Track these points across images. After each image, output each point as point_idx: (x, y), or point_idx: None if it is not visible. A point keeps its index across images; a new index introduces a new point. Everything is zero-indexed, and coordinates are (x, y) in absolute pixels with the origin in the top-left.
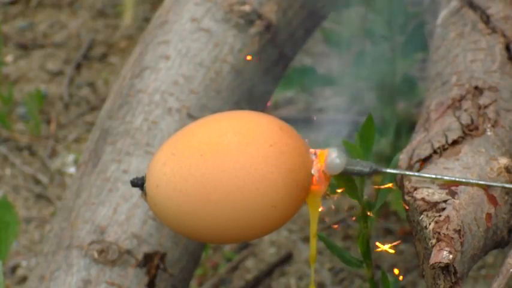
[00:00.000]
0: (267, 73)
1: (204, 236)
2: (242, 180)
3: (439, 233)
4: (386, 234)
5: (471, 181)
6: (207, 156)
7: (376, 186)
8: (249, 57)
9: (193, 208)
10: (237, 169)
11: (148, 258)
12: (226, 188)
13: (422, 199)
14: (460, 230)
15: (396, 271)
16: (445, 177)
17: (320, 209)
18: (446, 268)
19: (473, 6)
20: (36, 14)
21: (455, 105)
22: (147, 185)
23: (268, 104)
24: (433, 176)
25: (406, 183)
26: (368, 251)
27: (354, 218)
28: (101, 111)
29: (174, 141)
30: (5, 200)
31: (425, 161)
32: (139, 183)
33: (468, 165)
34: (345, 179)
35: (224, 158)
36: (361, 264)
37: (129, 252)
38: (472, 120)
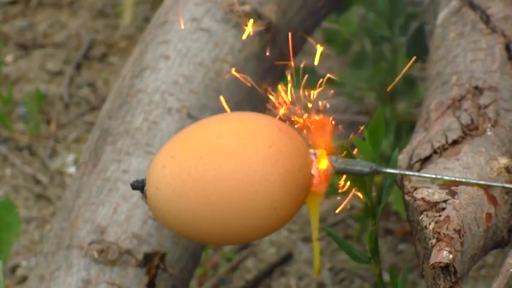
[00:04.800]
0: (267, 73)
1: (205, 238)
2: (241, 181)
3: (439, 233)
4: (386, 234)
5: (471, 181)
6: (206, 158)
7: None
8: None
9: (193, 210)
10: (236, 171)
11: (148, 258)
12: (225, 189)
13: (422, 199)
14: (460, 230)
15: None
16: (445, 177)
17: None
18: (446, 268)
19: (473, 6)
20: (36, 14)
21: (455, 105)
22: (147, 187)
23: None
24: (433, 176)
25: (406, 183)
26: (376, 247)
27: (362, 199)
28: (101, 111)
29: (173, 144)
30: (7, 200)
31: (425, 161)
32: (139, 186)
33: (468, 165)
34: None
35: (223, 160)
36: (370, 261)
37: (129, 252)
38: (472, 120)
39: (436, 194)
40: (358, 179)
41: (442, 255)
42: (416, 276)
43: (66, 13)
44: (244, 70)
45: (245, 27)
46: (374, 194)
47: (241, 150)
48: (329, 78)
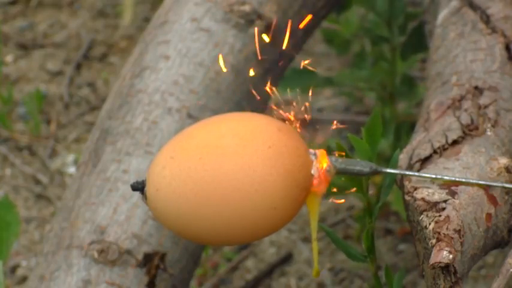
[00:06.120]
0: (267, 73)
1: (205, 238)
2: (241, 182)
3: (439, 233)
4: (386, 234)
5: (471, 181)
6: (206, 159)
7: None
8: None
9: (193, 211)
10: (236, 171)
11: (148, 258)
12: (225, 190)
13: (422, 199)
14: (460, 230)
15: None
16: (445, 177)
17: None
18: (446, 268)
19: (473, 6)
20: (36, 14)
21: (455, 105)
22: (147, 188)
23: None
24: (433, 176)
25: (406, 183)
26: (372, 246)
27: (360, 193)
28: (101, 111)
29: (173, 145)
30: (7, 200)
31: (425, 161)
32: (139, 187)
33: (468, 165)
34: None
35: (223, 161)
36: (366, 259)
37: (129, 252)
38: (472, 120)
39: (436, 194)
40: (356, 178)
41: (442, 255)
42: (416, 276)
43: (66, 13)
44: (244, 70)
45: (246, 27)
46: (371, 192)
47: (241, 150)
48: (329, 78)
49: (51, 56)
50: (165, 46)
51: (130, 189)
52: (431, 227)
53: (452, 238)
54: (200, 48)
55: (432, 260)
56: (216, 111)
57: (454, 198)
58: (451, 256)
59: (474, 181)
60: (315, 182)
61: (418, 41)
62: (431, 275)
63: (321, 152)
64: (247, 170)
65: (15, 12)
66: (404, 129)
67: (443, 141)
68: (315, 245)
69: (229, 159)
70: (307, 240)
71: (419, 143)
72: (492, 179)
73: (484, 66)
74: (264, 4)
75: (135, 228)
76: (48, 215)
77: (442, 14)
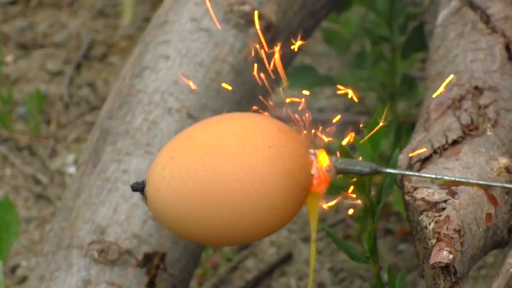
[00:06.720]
0: (267, 73)
1: (205, 239)
2: (241, 182)
3: (439, 233)
4: (386, 234)
5: (471, 181)
6: (206, 159)
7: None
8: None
9: (193, 211)
10: (236, 171)
11: (148, 258)
12: (225, 190)
13: (422, 199)
14: (460, 230)
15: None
16: (445, 177)
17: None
18: (446, 268)
19: (473, 6)
20: (36, 14)
21: (455, 105)
22: (147, 189)
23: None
24: (433, 176)
25: (406, 183)
26: (374, 247)
27: (355, 202)
28: (101, 111)
29: (173, 145)
30: (7, 200)
31: (425, 161)
32: (139, 187)
33: (468, 165)
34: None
35: (223, 161)
36: (368, 260)
37: (129, 252)
38: (472, 120)
39: (436, 194)
40: (358, 179)
41: (442, 255)
42: (416, 276)
43: (66, 13)
44: (244, 70)
45: (246, 27)
46: (373, 193)
47: (241, 150)
48: (329, 77)
49: (51, 56)
50: (165, 46)
51: (130, 189)
52: (431, 227)
53: (452, 238)
54: (200, 48)
55: (432, 260)
56: (216, 111)
57: (454, 198)
58: (451, 256)
59: (474, 181)
60: (315, 182)
61: (418, 41)
62: (431, 275)
63: (321, 152)
64: (247, 170)
65: (15, 12)
66: (405, 129)
67: (443, 141)
68: (312, 249)
69: (229, 159)
70: (307, 240)
71: (419, 143)
72: (492, 179)
73: (484, 66)
74: (264, 4)
75: (135, 228)
76: (48, 215)
77: (442, 14)
